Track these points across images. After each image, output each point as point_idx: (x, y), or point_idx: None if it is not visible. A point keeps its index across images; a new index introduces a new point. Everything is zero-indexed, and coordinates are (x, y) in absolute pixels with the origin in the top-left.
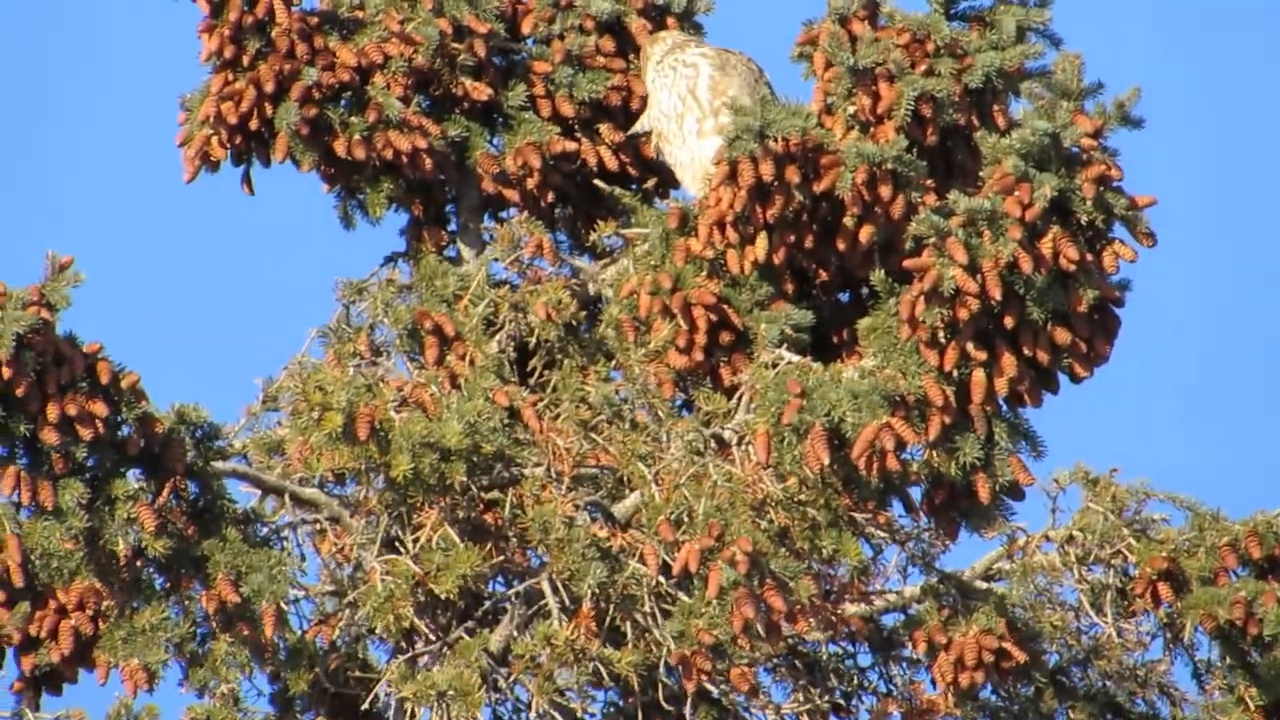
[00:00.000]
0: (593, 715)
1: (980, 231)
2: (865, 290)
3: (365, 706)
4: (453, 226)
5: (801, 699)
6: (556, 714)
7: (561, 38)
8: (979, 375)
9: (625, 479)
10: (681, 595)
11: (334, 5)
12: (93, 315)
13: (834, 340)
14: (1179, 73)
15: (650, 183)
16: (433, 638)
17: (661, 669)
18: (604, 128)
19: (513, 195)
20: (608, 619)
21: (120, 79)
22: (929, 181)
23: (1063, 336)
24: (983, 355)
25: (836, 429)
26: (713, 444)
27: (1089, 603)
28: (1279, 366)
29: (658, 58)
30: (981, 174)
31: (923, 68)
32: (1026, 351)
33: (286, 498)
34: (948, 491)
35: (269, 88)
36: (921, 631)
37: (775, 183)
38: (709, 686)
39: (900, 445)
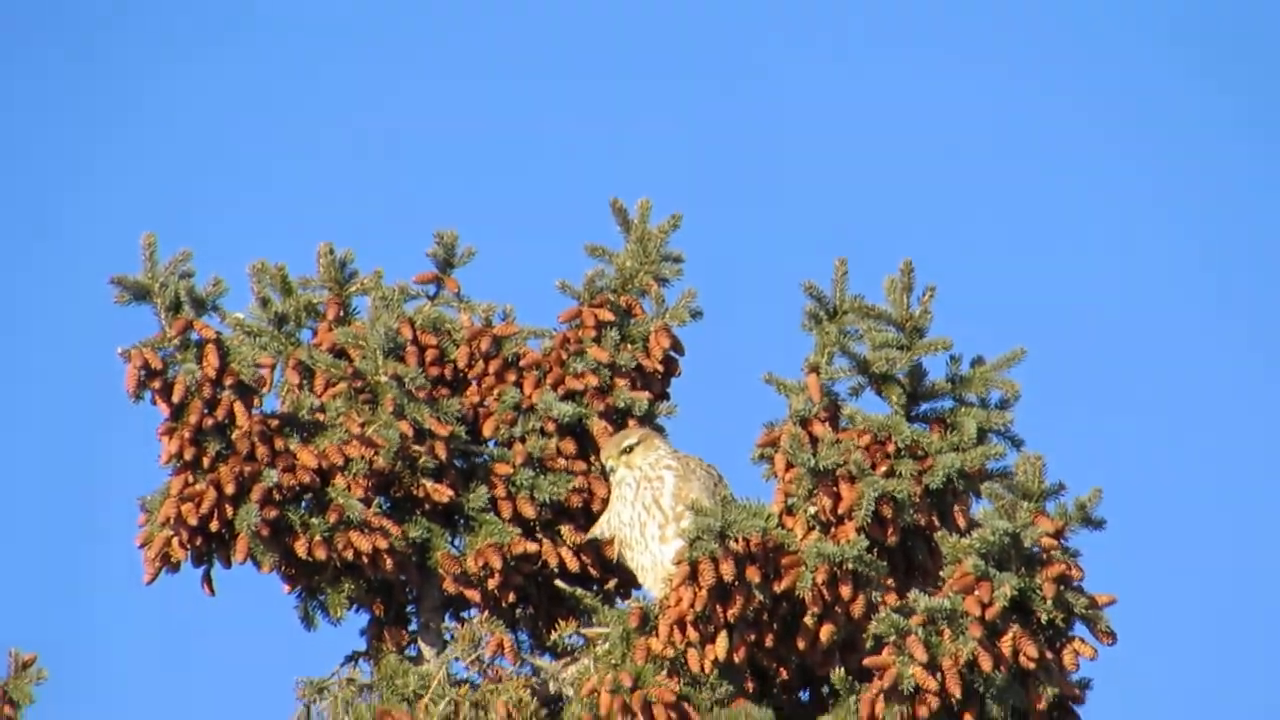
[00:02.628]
0: None
1: (940, 630)
2: (826, 688)
3: None
4: (414, 626)
5: None
6: None
7: (523, 440)
8: None
9: None
10: None
11: (295, 408)
12: (57, 713)
13: None
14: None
15: (611, 583)
16: None
17: None
18: (565, 529)
19: (474, 595)
20: None
21: (79, 472)
22: (889, 580)
23: None
24: None
25: None
26: None
27: None
28: None
29: (622, 453)
30: (942, 573)
31: (884, 468)
32: None
33: None
34: None
35: (229, 489)
36: None
37: (736, 582)
38: None
39: None
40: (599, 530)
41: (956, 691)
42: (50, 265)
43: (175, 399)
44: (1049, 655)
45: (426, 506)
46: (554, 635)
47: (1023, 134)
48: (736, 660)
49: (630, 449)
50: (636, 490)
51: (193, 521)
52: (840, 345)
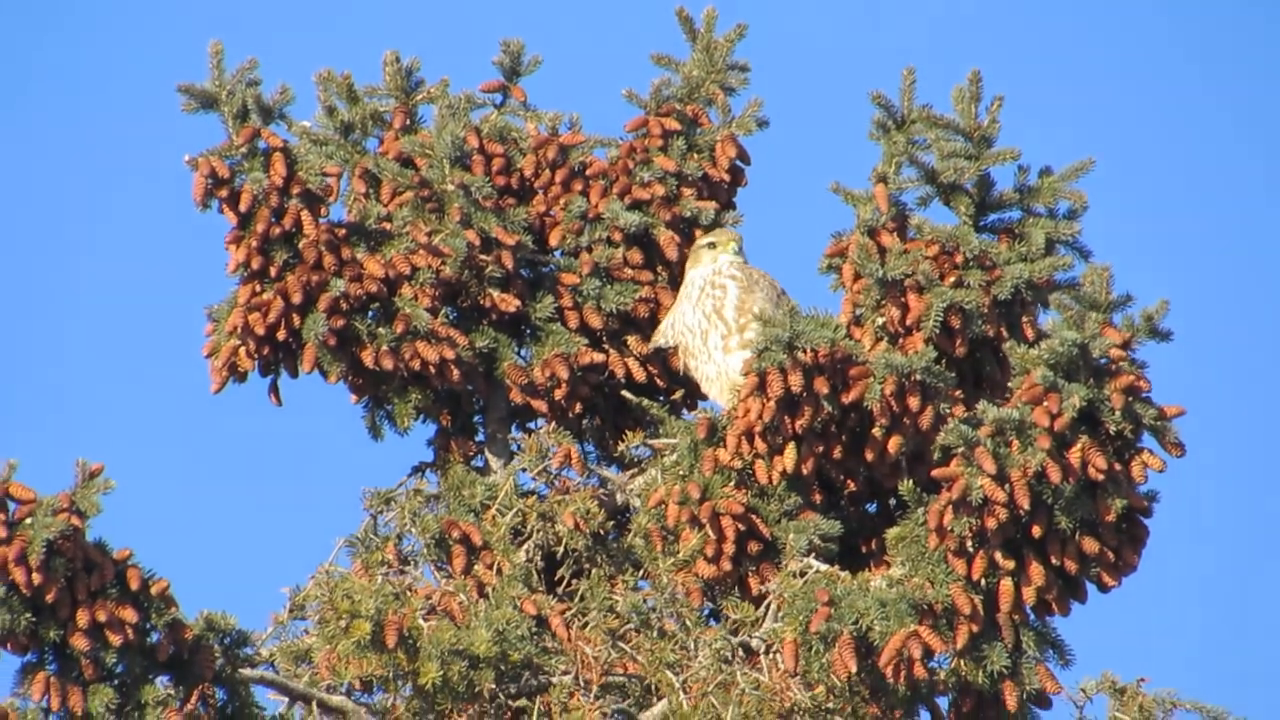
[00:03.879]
0: None
1: (1008, 441)
2: (893, 500)
3: None
4: (480, 437)
5: None
6: None
7: (589, 250)
8: (1007, 584)
9: (653, 687)
10: None
11: (361, 217)
12: (123, 522)
13: (862, 549)
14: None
15: (678, 394)
16: None
17: None
18: (632, 339)
19: (541, 406)
20: None
21: (146, 285)
22: (957, 392)
23: (1091, 546)
24: (1010, 564)
25: (864, 637)
26: (740, 652)
27: None
28: None
29: (704, 248)
30: (1010, 384)
31: (951, 279)
32: (1054, 560)
33: (314, 705)
34: (975, 700)
35: (296, 299)
36: None
37: (804, 394)
38: None
39: (928, 654)
40: (661, 337)
41: (1025, 503)
42: (117, 78)
43: (242, 208)
44: (1117, 467)
45: (493, 316)
46: (621, 446)
47: None
48: (804, 472)
49: (713, 245)
50: (699, 295)
51: (260, 330)
52: (908, 155)
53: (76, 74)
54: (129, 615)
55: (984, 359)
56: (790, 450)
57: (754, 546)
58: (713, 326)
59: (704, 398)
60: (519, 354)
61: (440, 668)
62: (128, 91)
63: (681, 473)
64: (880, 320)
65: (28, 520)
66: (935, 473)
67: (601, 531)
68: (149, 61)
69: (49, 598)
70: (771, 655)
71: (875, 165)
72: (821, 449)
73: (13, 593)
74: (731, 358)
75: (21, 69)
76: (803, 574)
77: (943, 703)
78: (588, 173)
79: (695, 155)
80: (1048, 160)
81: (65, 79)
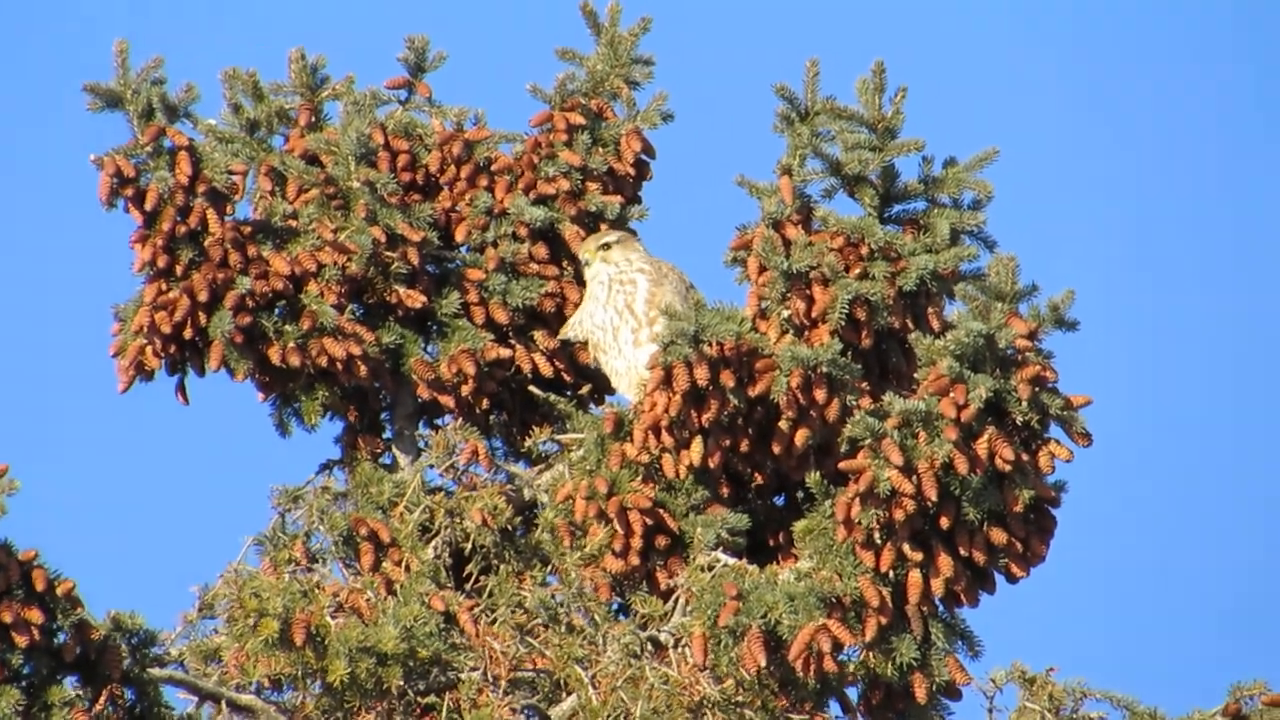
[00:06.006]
0: None
1: (915, 433)
2: (801, 493)
3: None
4: (388, 433)
5: None
6: None
7: (495, 245)
8: (915, 576)
9: (562, 682)
10: None
11: (267, 214)
12: (28, 522)
13: (770, 543)
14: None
15: (585, 388)
16: None
17: None
18: (538, 334)
19: (448, 402)
20: None
21: (52, 283)
22: (864, 384)
23: (999, 537)
24: (919, 556)
25: (773, 631)
26: (649, 647)
27: None
28: (1214, 555)
29: (601, 248)
30: (916, 375)
31: (857, 271)
32: (963, 552)
33: (223, 704)
34: (884, 692)
35: (202, 297)
36: None
37: (710, 387)
38: None
39: (837, 646)
40: (570, 332)
41: (932, 494)
42: (20, 77)
43: (148, 206)
44: (1025, 457)
45: (399, 312)
46: (528, 441)
47: None
48: (711, 465)
49: (608, 246)
50: (609, 293)
51: (166, 329)
52: (813, 147)
53: None
54: (35, 616)
55: (890, 350)
56: (697, 444)
57: (662, 541)
58: (623, 321)
59: (612, 392)
60: (425, 350)
61: (348, 665)
62: (30, 90)
63: (589, 468)
64: (786, 313)
65: None
66: (842, 465)
67: (509, 527)
68: (53, 59)
69: None
70: (680, 650)
71: (780, 158)
72: (728, 442)
73: None
74: (640, 351)
75: None
76: (710, 568)
77: (852, 694)
78: (493, 168)
79: (600, 150)
80: (952, 149)
81: None
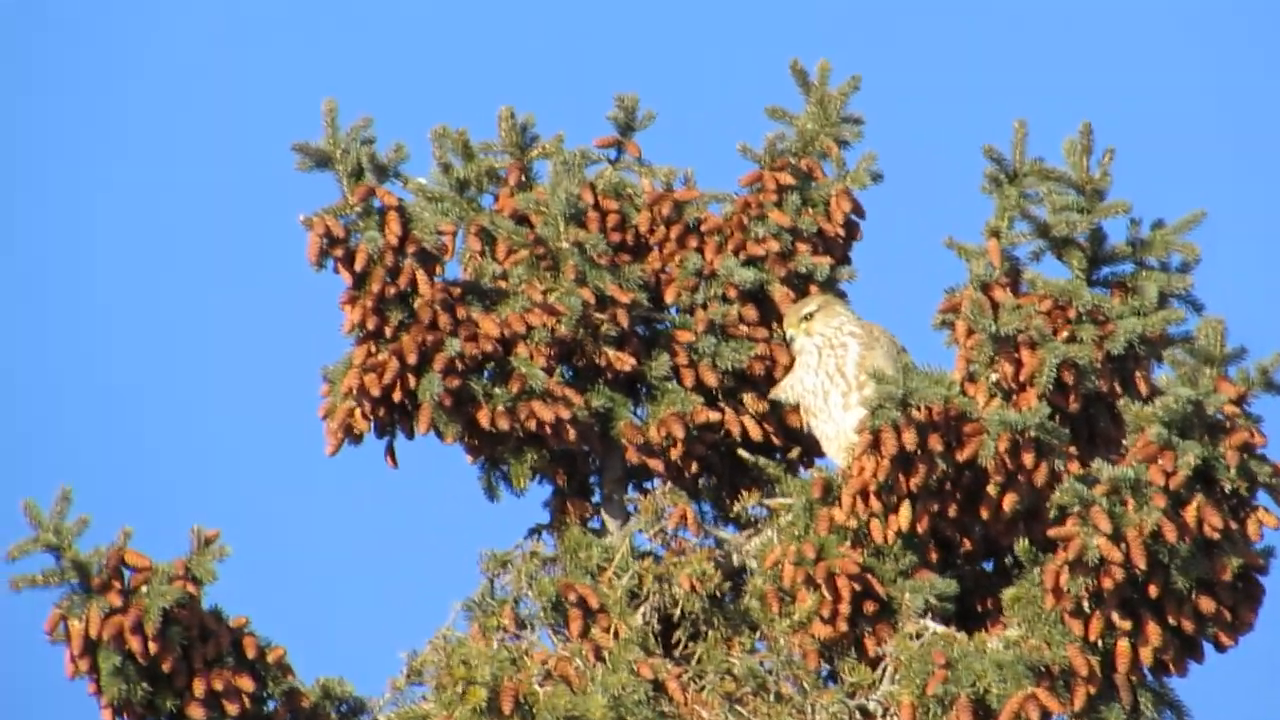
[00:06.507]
0: None
1: (1124, 500)
2: (1009, 559)
3: None
4: (596, 497)
5: None
6: None
7: (704, 307)
8: (1124, 644)
9: None
10: None
11: (477, 275)
12: (239, 588)
13: (978, 609)
14: None
15: (794, 452)
16: None
17: None
18: (747, 397)
19: (657, 465)
20: None
21: (257, 346)
22: (1072, 449)
23: (1207, 605)
24: (1127, 624)
25: (982, 699)
26: (858, 715)
27: None
28: None
29: (802, 320)
30: (1125, 441)
31: (1065, 334)
32: (1171, 620)
33: None
34: None
35: (411, 359)
36: None
37: (918, 451)
38: None
39: (1045, 715)
40: (781, 394)
41: (1141, 562)
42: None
43: (358, 267)
44: (1233, 525)
45: (609, 375)
46: (737, 506)
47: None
48: (920, 530)
49: (810, 316)
50: (820, 357)
51: (375, 392)
52: (1020, 209)
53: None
54: (245, 684)
55: (1098, 414)
56: (905, 509)
57: (870, 607)
58: (834, 385)
59: (821, 455)
60: (635, 413)
61: None
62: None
63: (797, 533)
64: (994, 376)
65: (143, 588)
66: (1051, 532)
67: (718, 593)
68: (265, 121)
69: (165, 667)
70: (889, 718)
71: (988, 219)
72: (937, 507)
73: (129, 662)
74: (849, 415)
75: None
76: (919, 635)
77: None
78: (702, 228)
79: (810, 210)
80: (1159, 211)
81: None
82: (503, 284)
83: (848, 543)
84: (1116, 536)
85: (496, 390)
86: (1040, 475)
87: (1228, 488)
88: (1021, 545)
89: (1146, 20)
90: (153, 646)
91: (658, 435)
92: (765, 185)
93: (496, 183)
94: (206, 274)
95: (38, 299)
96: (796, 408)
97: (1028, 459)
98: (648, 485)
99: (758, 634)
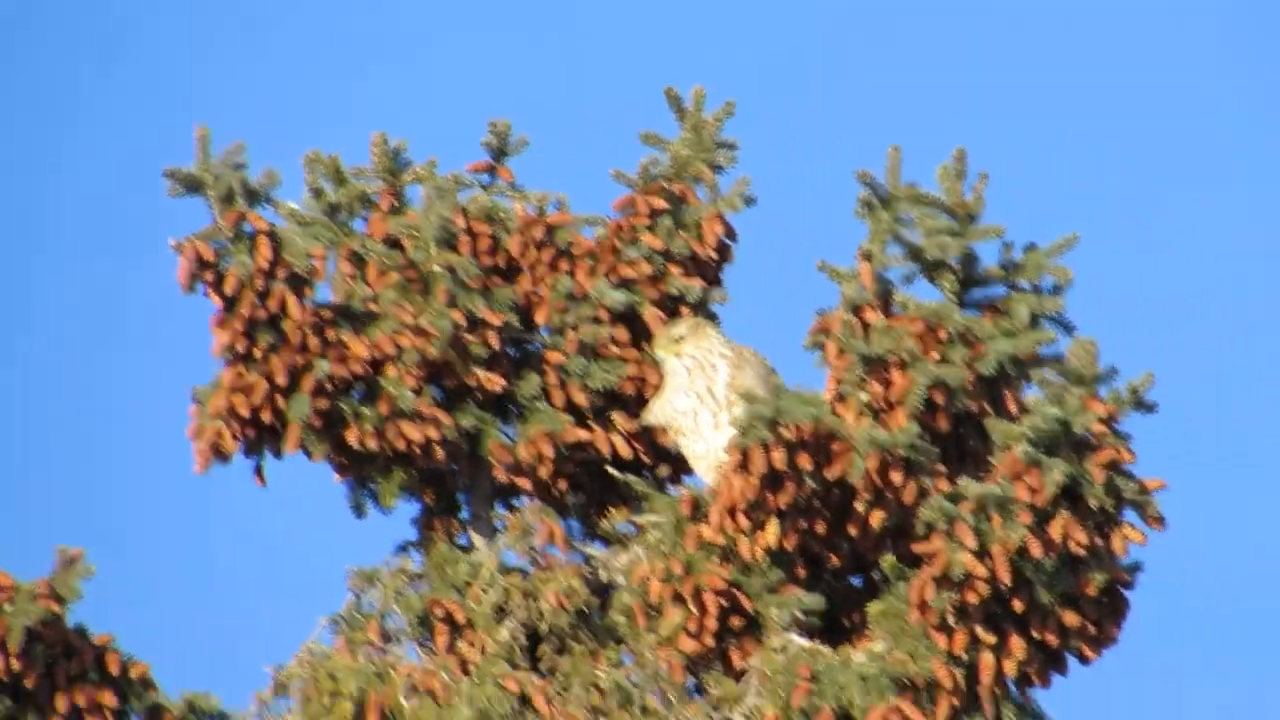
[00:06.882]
0: None
1: (990, 516)
2: (876, 574)
3: None
4: (464, 514)
5: None
6: None
7: (575, 328)
8: (988, 658)
9: None
10: None
11: (347, 298)
12: (102, 606)
13: (844, 624)
14: None
15: (663, 470)
16: None
17: None
18: (617, 416)
19: (525, 484)
20: None
21: (131, 366)
22: (940, 467)
23: (1072, 619)
24: (992, 638)
25: (846, 712)
26: None
27: None
28: None
29: (672, 342)
30: (992, 459)
31: (935, 355)
32: (1035, 634)
33: None
34: None
35: (281, 381)
36: None
37: (787, 470)
38: None
39: None
40: (650, 417)
41: (1006, 578)
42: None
43: (228, 291)
44: (1098, 541)
45: (478, 395)
46: (605, 523)
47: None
48: (788, 547)
49: (681, 338)
50: (690, 378)
51: (244, 413)
52: (893, 232)
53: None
54: (109, 699)
55: (967, 434)
56: (773, 525)
57: (736, 621)
58: (704, 405)
59: (690, 474)
60: (504, 432)
61: None
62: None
63: (665, 549)
64: (864, 396)
65: (7, 607)
66: (917, 548)
67: (585, 608)
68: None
69: (28, 683)
70: None
71: (861, 243)
72: (805, 524)
73: None
74: (720, 435)
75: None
76: (784, 649)
77: None
78: (574, 251)
79: (682, 233)
80: (1032, 235)
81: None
82: (373, 306)
83: (715, 559)
84: (982, 552)
85: (365, 410)
86: (909, 493)
87: (1094, 504)
88: (888, 561)
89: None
90: (15, 664)
91: (527, 454)
92: (638, 209)
93: (368, 207)
94: (80, 285)
95: None
96: (666, 428)
97: (896, 477)
98: (516, 503)
99: (624, 648)
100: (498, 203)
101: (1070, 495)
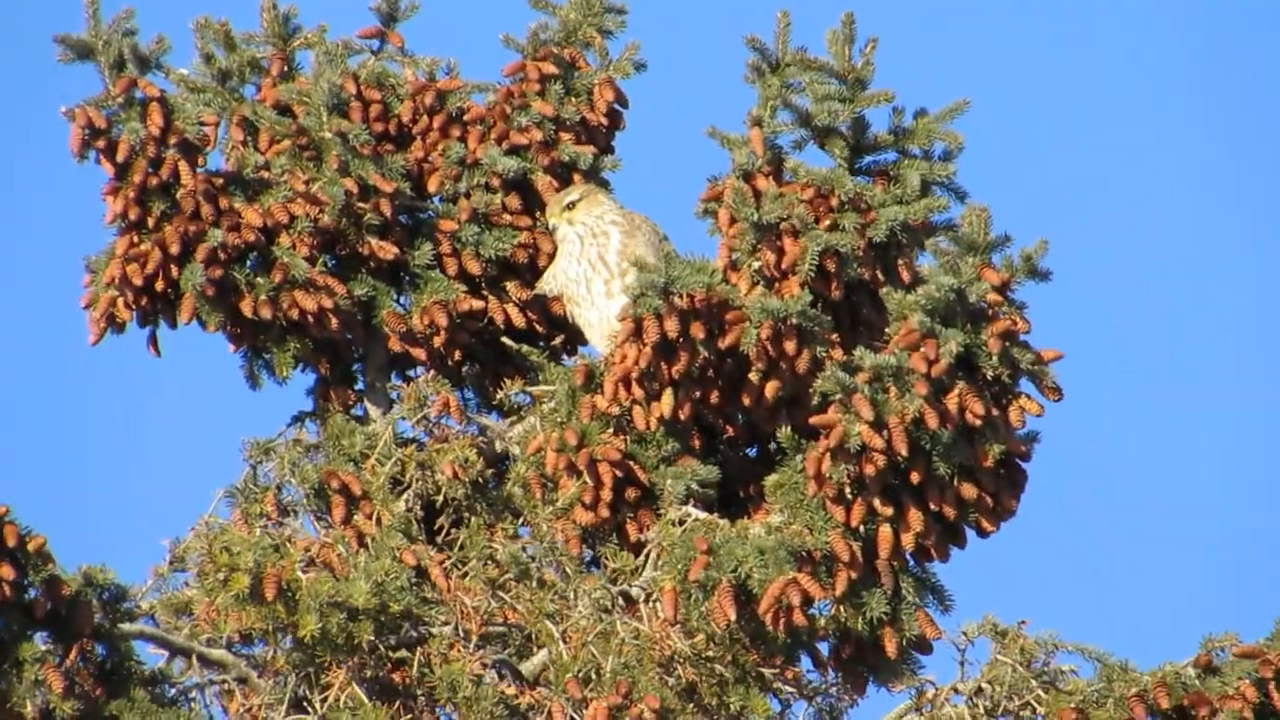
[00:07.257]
0: None
1: (886, 387)
2: (772, 446)
3: None
4: (360, 385)
5: None
6: None
7: (467, 196)
8: (885, 530)
9: (533, 636)
10: None
11: (239, 166)
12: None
13: (741, 496)
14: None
15: (557, 340)
16: None
17: None
18: (511, 285)
19: (420, 354)
20: None
21: (25, 238)
22: (834, 336)
23: (969, 491)
24: (889, 510)
25: (743, 585)
26: (620, 601)
27: None
28: (1185, 515)
29: (565, 210)
30: (887, 329)
31: (827, 223)
32: (933, 506)
33: (194, 658)
34: (855, 646)
35: (174, 249)
36: None
37: (680, 339)
38: None
39: (807, 601)
40: (545, 286)
41: (903, 449)
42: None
43: (120, 159)
44: (995, 412)
45: (372, 264)
46: (500, 393)
47: None
48: (682, 417)
49: (573, 205)
50: (582, 246)
51: (138, 282)
52: (783, 99)
53: None
54: (5, 572)
55: (861, 302)
56: (667, 396)
57: (632, 493)
58: (596, 273)
59: (584, 343)
60: (398, 302)
61: (319, 620)
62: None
63: (560, 419)
64: (756, 264)
65: None
66: (813, 420)
67: (480, 480)
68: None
69: None
70: (651, 604)
71: (751, 109)
72: (699, 394)
73: None
74: (612, 303)
75: None
76: (681, 522)
77: (824, 648)
78: (465, 118)
79: (573, 99)
80: (923, 101)
81: None
82: (265, 174)
83: (610, 430)
84: (878, 423)
85: (259, 280)
86: (802, 363)
87: (990, 375)
88: (784, 432)
89: None
90: None
91: (421, 323)
92: (528, 75)
93: (259, 74)
94: None
95: None
96: (559, 297)
97: (790, 346)
98: (411, 373)
99: (520, 520)
100: (388, 69)
101: (966, 366)
